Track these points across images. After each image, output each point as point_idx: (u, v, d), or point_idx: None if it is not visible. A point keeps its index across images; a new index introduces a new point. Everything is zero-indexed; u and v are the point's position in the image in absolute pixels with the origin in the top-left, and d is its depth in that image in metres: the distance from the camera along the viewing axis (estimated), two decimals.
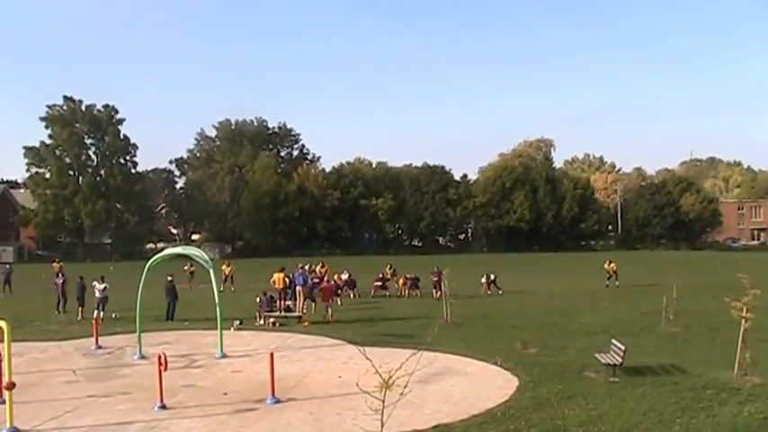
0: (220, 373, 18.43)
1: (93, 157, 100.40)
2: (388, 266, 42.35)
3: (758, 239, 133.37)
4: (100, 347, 22.30)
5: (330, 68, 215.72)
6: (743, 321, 16.05)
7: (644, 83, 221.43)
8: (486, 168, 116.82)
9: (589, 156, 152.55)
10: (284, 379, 16.46)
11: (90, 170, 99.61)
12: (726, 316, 17.66)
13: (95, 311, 27.73)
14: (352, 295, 36.57)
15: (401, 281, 38.27)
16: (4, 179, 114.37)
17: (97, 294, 28.78)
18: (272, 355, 15.42)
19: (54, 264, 50.19)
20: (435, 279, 34.62)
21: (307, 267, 37.24)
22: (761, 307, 17.05)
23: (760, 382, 15.41)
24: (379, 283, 38.43)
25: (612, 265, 41.86)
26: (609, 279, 41.28)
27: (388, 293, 37.72)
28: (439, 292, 32.90)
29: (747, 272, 16.56)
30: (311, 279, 32.04)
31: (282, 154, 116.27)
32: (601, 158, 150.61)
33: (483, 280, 38.30)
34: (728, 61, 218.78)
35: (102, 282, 29.36)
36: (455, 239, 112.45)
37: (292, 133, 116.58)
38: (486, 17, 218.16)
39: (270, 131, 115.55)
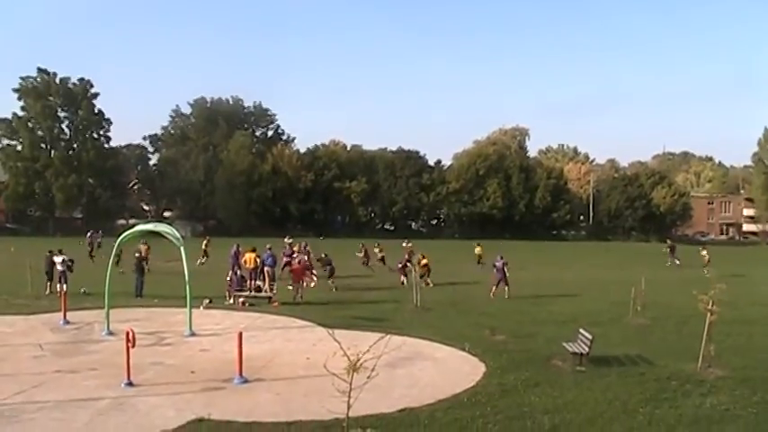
0: (189, 351, 18.37)
1: (67, 130, 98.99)
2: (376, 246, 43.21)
3: (727, 234, 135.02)
4: (68, 322, 22.13)
5: (308, 51, 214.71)
6: (709, 315, 16.27)
7: (620, 75, 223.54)
8: (461, 155, 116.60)
9: (563, 146, 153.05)
10: (252, 359, 16.43)
11: (63, 144, 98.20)
12: (692, 309, 17.88)
13: (59, 285, 27.65)
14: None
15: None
16: None
17: (58, 267, 28.63)
18: (240, 334, 15.38)
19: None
20: (406, 257, 35.49)
21: (289, 243, 37.17)
22: (726, 301, 17.29)
23: (723, 374, 15.67)
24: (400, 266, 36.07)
25: (478, 248, 42.97)
26: (479, 263, 42.83)
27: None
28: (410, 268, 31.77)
29: (715, 266, 16.78)
30: (283, 257, 31.85)
31: (257, 134, 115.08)
32: (575, 149, 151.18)
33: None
34: (704, 57, 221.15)
35: (61, 254, 29.21)
36: (428, 225, 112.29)
37: (268, 113, 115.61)
38: (466, 5, 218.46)
39: (245, 111, 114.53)
